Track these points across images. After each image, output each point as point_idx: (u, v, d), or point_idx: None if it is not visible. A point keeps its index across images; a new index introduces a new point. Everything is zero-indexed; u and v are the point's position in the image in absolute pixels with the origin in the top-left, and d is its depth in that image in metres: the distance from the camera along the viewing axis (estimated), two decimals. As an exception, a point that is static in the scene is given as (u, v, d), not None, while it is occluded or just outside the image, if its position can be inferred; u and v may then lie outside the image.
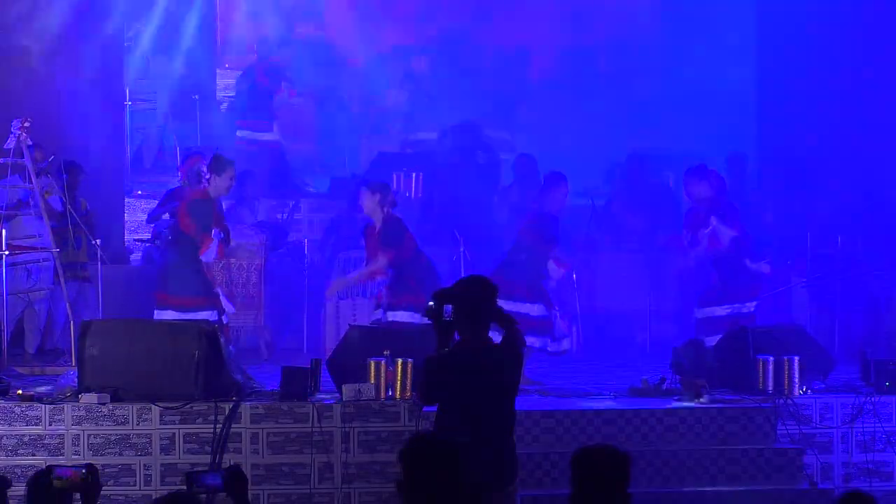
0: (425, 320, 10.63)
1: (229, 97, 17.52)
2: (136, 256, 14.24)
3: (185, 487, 5.92)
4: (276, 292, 13.36)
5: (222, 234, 11.03)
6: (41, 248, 11.99)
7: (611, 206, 14.67)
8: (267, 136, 16.12)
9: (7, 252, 11.66)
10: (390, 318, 11.10)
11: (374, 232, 11.23)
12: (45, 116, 12.73)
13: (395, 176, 15.84)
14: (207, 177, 11.01)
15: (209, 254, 11.01)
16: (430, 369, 7.27)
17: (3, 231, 11.73)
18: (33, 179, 11.91)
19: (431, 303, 7.25)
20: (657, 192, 14.56)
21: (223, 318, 10.97)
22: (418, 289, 10.96)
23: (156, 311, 11.03)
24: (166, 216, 13.19)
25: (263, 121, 16.17)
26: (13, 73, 13.34)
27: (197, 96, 17.55)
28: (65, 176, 12.37)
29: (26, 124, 11.90)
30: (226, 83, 18.33)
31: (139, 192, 15.86)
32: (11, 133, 11.89)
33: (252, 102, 16.20)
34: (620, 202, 14.67)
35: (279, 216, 14.88)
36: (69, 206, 12.23)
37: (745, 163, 14.19)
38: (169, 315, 10.82)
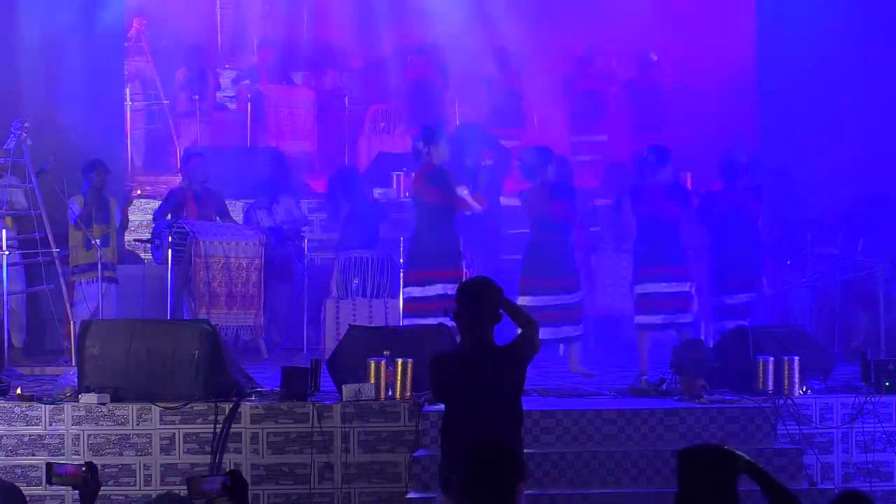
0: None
1: (229, 97, 17.51)
2: (147, 257, 14.20)
3: (184, 488, 5.93)
4: (276, 292, 13.35)
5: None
6: (41, 250, 11.98)
7: (611, 206, 14.65)
8: None
9: (7, 252, 11.65)
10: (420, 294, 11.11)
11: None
12: (45, 116, 12.74)
13: (394, 176, 15.85)
14: (426, 150, 11.00)
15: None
16: (433, 369, 7.34)
17: (4, 231, 11.73)
18: (33, 179, 11.91)
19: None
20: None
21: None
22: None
23: (414, 289, 10.99)
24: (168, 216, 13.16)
25: None
26: (13, 73, 13.35)
27: (197, 96, 17.56)
28: (91, 176, 12.35)
29: (26, 124, 11.90)
30: (226, 83, 18.33)
31: (139, 192, 15.84)
32: (11, 133, 11.90)
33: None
34: (621, 202, 14.64)
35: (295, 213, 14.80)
36: (74, 206, 12.22)
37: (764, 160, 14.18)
38: (438, 288, 10.84)
